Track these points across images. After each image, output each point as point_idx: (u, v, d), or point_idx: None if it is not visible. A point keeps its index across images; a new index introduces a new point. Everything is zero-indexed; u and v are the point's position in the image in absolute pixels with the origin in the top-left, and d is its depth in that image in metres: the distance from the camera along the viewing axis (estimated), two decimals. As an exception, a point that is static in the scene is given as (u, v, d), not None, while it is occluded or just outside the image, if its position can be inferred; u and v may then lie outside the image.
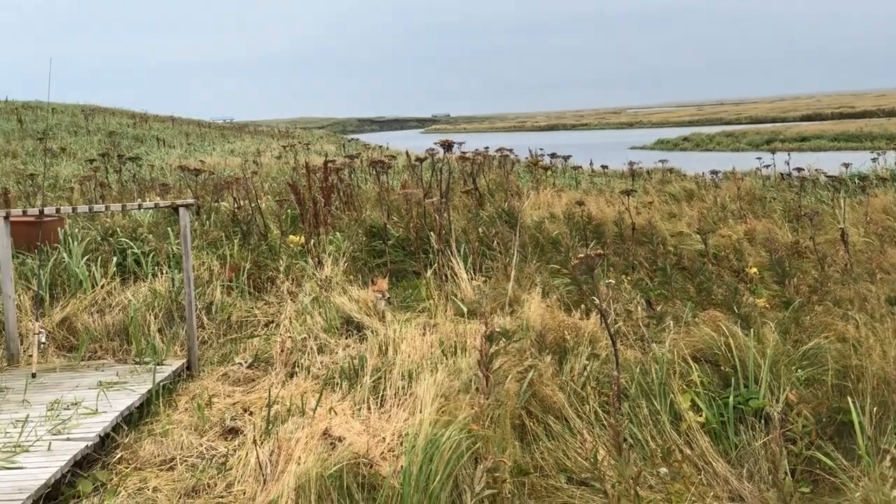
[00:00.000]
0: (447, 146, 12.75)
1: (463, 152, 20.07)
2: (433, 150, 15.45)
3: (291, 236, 12.88)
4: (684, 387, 7.07)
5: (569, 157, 27.99)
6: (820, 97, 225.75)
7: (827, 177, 22.18)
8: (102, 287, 10.87)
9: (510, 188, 17.16)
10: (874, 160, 26.84)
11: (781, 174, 24.62)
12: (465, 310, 9.57)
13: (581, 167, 30.01)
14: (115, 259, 11.68)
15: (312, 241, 12.37)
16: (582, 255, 6.21)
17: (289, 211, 14.42)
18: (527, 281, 10.43)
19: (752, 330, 7.94)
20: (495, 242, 11.86)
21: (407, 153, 20.59)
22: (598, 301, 6.44)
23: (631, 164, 28.32)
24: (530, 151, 28.47)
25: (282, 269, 11.53)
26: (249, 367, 9.12)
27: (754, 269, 12.19)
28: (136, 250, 11.96)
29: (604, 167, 28.81)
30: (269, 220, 13.94)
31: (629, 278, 11.35)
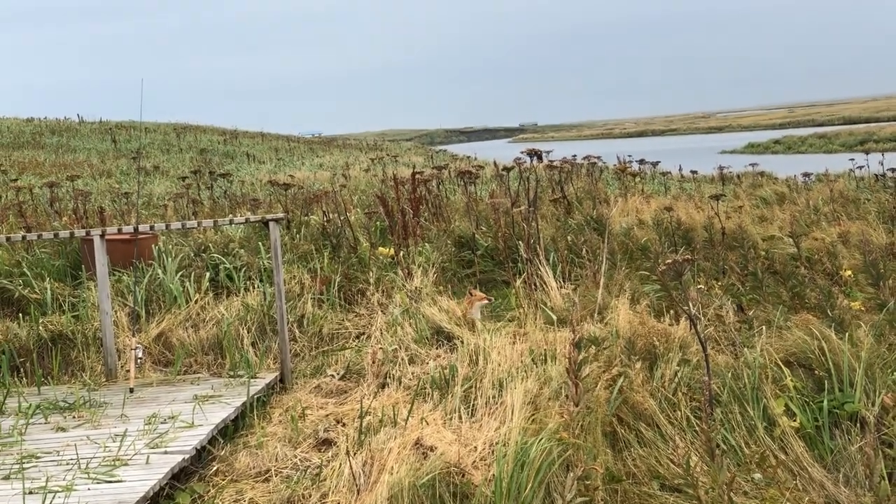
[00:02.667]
0: (534, 155, 12.76)
1: (550, 161, 20.05)
2: (520, 159, 15.47)
3: (381, 248, 12.98)
4: (777, 391, 7.00)
5: (657, 162, 27.80)
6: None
7: (923, 175, 21.77)
8: (196, 302, 11.04)
9: (598, 195, 17.09)
10: (972, 159, 26.25)
11: (876, 175, 24.16)
12: (554, 318, 9.56)
13: (670, 173, 29.80)
14: (207, 274, 11.86)
15: (402, 252, 12.44)
16: (669, 261, 6.19)
17: (378, 223, 14.53)
18: (616, 288, 10.39)
19: (845, 333, 7.84)
20: (584, 250, 11.82)
21: (494, 163, 20.60)
22: (687, 306, 6.41)
23: (721, 168, 28.08)
24: (618, 158, 28.35)
25: (372, 280, 11.61)
26: (341, 378, 9.20)
27: (848, 272, 11.99)
28: (227, 265, 12.14)
29: (693, 172, 28.57)
30: (358, 232, 14.05)
31: (720, 283, 11.25)
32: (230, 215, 16.28)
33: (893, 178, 20.92)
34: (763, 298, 10.70)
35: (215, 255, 12.51)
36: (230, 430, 7.86)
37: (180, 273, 11.73)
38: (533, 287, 10.91)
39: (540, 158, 19.43)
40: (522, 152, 13.57)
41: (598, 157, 24.98)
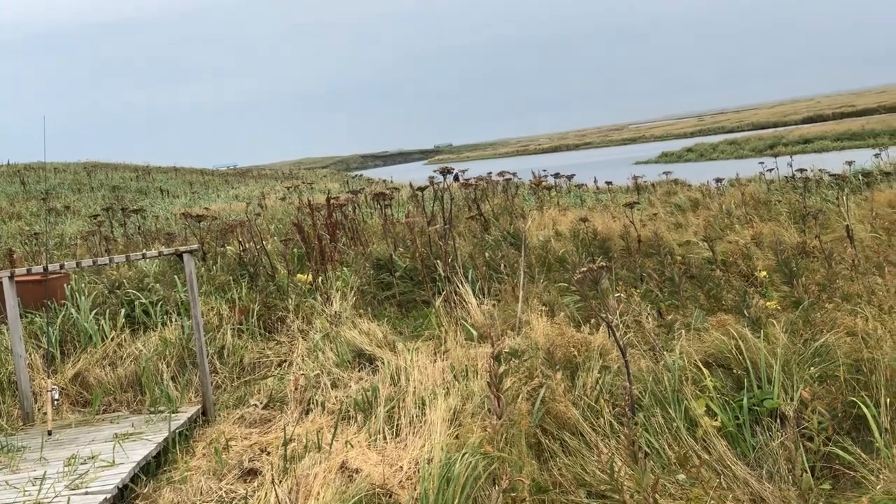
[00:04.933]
0: (447, 172, 12.79)
1: (466, 179, 20.09)
2: (433, 178, 15.47)
3: (299, 275, 12.90)
4: (698, 392, 7.05)
5: (572, 175, 27.99)
6: (819, 99, 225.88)
7: (830, 176, 22.14)
8: (112, 340, 10.88)
9: (514, 211, 17.16)
10: (877, 156, 26.78)
11: (786, 177, 24.57)
12: (475, 334, 9.56)
13: (585, 185, 30.02)
14: (123, 311, 11.70)
15: (320, 277, 12.38)
16: (584, 269, 6.22)
17: (295, 250, 14.45)
18: (535, 300, 10.43)
19: (762, 332, 7.94)
20: (502, 265, 11.86)
21: (410, 184, 20.60)
22: (605, 313, 6.44)
23: (635, 178, 28.32)
24: (533, 173, 28.49)
25: (291, 308, 11.54)
26: (265, 407, 9.12)
27: (763, 272, 12.15)
28: (143, 300, 11.99)
29: (608, 183, 28.82)
30: (275, 260, 13.95)
31: (638, 290, 11.34)
32: (144, 250, 16.09)
33: (802, 179, 21.24)
34: (681, 303, 10.80)
35: (130, 291, 12.34)
36: (153, 467, 7.74)
37: (95, 311, 11.56)
38: (453, 304, 10.91)
39: (456, 178, 19.46)
40: (435, 171, 13.59)
41: (514, 174, 25.11)
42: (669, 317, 9.89)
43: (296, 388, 8.82)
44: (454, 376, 8.03)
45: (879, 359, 7.05)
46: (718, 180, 24.02)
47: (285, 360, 10.41)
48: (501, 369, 6.62)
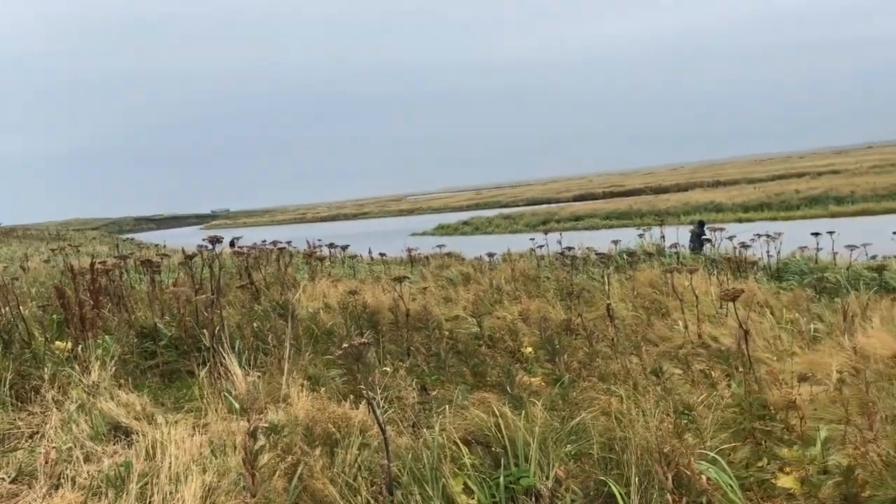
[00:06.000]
0: (217, 241, 12.60)
1: (240, 247, 19.88)
2: (203, 246, 15.24)
3: (58, 342, 12.42)
4: (456, 470, 7.09)
5: (347, 246, 28.07)
6: (592, 177, 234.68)
7: (597, 254, 22.93)
8: None
9: (286, 280, 17.05)
10: (641, 236, 27.90)
11: (556, 254, 25.30)
12: (237, 407, 9.39)
13: (360, 256, 30.14)
14: None
15: (80, 345, 11.95)
16: (346, 345, 6.20)
17: (54, 316, 13.92)
18: (300, 373, 10.34)
19: (523, 409, 8.06)
20: (269, 336, 11.74)
21: (183, 250, 20.23)
22: (366, 390, 6.43)
23: (409, 250, 28.64)
24: (308, 242, 28.47)
25: (47, 377, 11.08)
26: (13, 481, 8.68)
27: (529, 349, 12.40)
28: None
29: (382, 255, 29.01)
30: (33, 326, 13.41)
31: (405, 365, 11.38)
32: None
33: (570, 257, 21.91)
34: (447, 378, 10.89)
35: None
36: None
37: None
38: (217, 376, 10.70)
39: (232, 244, 19.20)
40: (204, 239, 13.38)
41: (289, 242, 25.01)
42: (434, 392, 9.95)
43: (46, 462, 8.44)
44: (212, 451, 7.85)
45: (631, 437, 7.25)
46: (490, 255, 24.51)
47: (37, 432, 9.96)
48: (258, 445, 6.50)
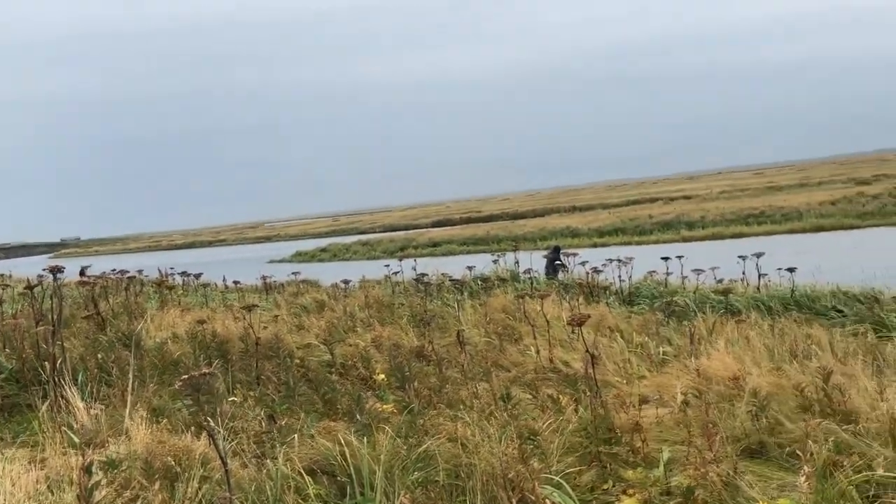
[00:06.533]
0: (58, 270, 12.24)
1: (88, 276, 19.39)
2: (43, 276, 14.82)
3: None
4: (300, 501, 6.99)
5: (200, 274, 27.65)
6: (449, 203, 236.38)
7: (451, 281, 23.00)
8: None
9: (135, 310, 16.69)
10: (495, 262, 28.08)
11: (412, 280, 25.31)
12: (77, 441, 9.10)
13: (214, 284, 29.74)
14: None
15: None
16: (186, 376, 6.06)
17: None
18: (144, 405, 10.09)
19: (368, 437, 8.00)
20: (114, 368, 11.45)
21: (28, 280, 19.63)
22: (208, 421, 6.28)
23: (264, 278, 28.34)
24: (160, 271, 27.97)
25: None
26: None
27: (381, 376, 12.33)
28: None
29: (236, 283, 28.64)
30: None
31: (254, 394, 11.20)
32: None
33: (425, 283, 21.91)
34: (297, 407, 10.74)
35: None
36: None
37: None
38: (59, 409, 10.38)
39: (82, 273, 18.71)
40: (45, 269, 13.00)
41: (140, 271, 24.52)
42: (283, 422, 9.81)
43: None
44: (48, 487, 7.59)
45: (476, 464, 7.25)
46: (346, 282, 24.41)
47: None
48: (94, 480, 6.29)
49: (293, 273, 30.57)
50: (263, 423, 9.36)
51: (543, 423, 8.63)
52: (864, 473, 7.23)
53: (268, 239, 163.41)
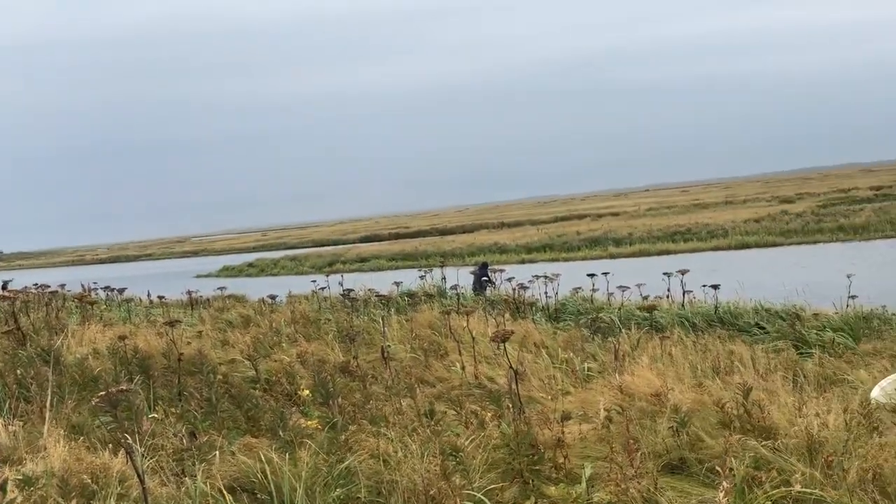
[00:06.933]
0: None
1: (9, 290, 19.06)
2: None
3: None
4: (219, 518, 6.92)
5: (124, 289, 27.32)
6: (378, 219, 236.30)
7: (378, 296, 22.93)
8: None
9: (56, 325, 16.41)
10: (422, 278, 28.08)
11: (339, 295, 25.21)
12: (-6, 460, 8.94)
13: (139, 298, 29.43)
14: None
15: None
16: (104, 392, 5.98)
17: None
18: (63, 421, 9.93)
19: (291, 454, 7.94)
20: (34, 384, 11.25)
21: (-57, 296, 19.27)
22: (126, 438, 6.20)
23: (190, 293, 28.09)
24: (82, 285, 27.62)
25: None
26: None
27: (306, 392, 12.25)
28: None
29: (161, 297, 28.35)
30: None
31: (176, 410, 11.08)
32: None
33: (352, 298, 21.83)
34: (219, 423, 10.64)
35: None
36: None
37: None
38: (-27, 427, 10.18)
39: (4, 287, 18.39)
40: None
41: (62, 286, 24.19)
42: (205, 438, 9.71)
43: None
44: (-43, 508, 7.44)
45: (399, 480, 7.22)
46: (273, 297, 24.27)
47: None
48: (9, 498, 6.18)
49: (219, 288, 30.33)
50: (185, 440, 9.25)
51: (466, 440, 8.63)
52: (782, 489, 7.31)
53: (195, 254, 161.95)
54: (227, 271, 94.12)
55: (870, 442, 8.19)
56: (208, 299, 29.43)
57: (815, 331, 18.19)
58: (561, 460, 8.45)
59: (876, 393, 12.07)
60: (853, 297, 20.52)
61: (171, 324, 13.25)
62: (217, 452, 8.53)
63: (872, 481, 7.28)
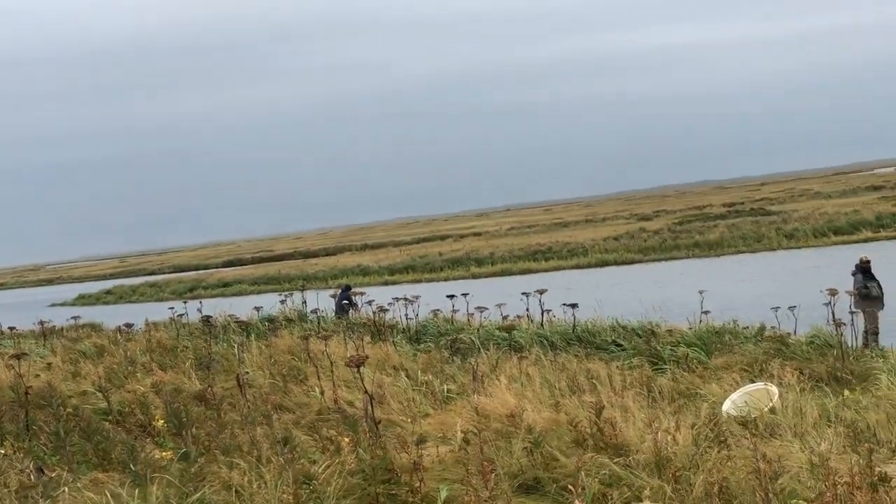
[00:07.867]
0: None
1: None
2: None
3: None
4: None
5: (-29, 321, 26.47)
6: (241, 243, 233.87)
7: (237, 322, 22.62)
8: None
9: None
10: (283, 302, 27.78)
11: (198, 322, 24.76)
12: None
13: (-15, 329, 28.54)
14: None
15: None
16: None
17: None
18: None
19: (142, 487, 7.76)
20: None
21: None
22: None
23: (42, 322, 27.32)
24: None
25: None
26: None
27: (161, 422, 12.01)
28: None
29: (11, 328, 27.51)
30: None
31: (24, 445, 10.74)
32: None
33: (211, 325, 21.48)
34: (69, 458, 10.35)
35: None
36: None
37: None
38: None
39: None
40: None
41: None
42: (54, 473, 9.42)
43: None
44: None
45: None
46: (129, 325, 23.73)
47: None
48: None
49: (73, 317, 29.57)
50: (32, 476, 8.96)
51: (322, 467, 8.55)
52: (633, 504, 7.41)
53: (50, 282, 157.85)
54: (84, 299, 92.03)
55: (716, 455, 8.36)
56: (62, 329, 28.66)
57: (669, 347, 18.49)
58: (417, 484, 8.42)
59: (727, 406, 12.34)
60: (706, 312, 20.94)
61: (19, 356, 12.86)
62: (66, 488, 8.28)
63: (718, 494, 7.42)
